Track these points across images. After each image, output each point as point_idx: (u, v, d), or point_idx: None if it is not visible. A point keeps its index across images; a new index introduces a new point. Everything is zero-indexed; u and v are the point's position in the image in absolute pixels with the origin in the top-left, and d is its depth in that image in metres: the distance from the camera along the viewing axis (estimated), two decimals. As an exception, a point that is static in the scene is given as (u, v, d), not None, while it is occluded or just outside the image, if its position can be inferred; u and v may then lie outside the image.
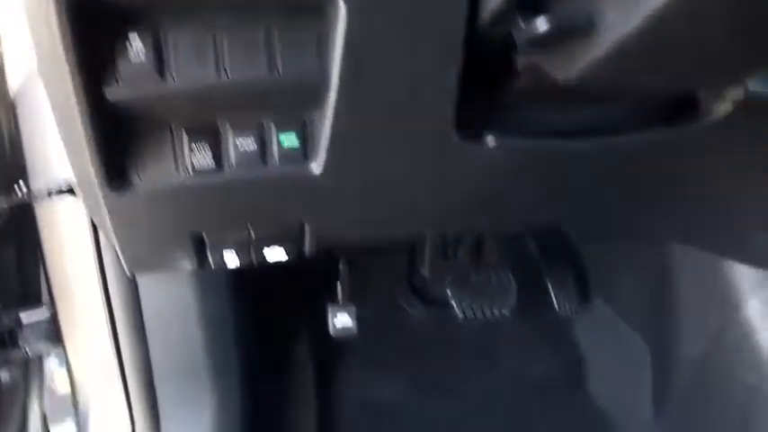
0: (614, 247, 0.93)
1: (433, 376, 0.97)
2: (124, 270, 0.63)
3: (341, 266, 0.86)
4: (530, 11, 0.36)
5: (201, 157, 0.46)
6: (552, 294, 0.96)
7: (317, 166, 0.46)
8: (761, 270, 0.67)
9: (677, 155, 0.54)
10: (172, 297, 0.66)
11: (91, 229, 0.62)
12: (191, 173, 0.46)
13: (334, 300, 0.84)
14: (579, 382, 0.97)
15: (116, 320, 0.65)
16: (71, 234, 0.65)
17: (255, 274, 0.85)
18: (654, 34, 0.33)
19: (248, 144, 0.46)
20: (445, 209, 0.56)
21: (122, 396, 0.69)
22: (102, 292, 0.65)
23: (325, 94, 0.42)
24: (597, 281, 1.00)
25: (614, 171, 0.55)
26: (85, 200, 0.50)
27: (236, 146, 0.45)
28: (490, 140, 0.46)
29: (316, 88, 0.42)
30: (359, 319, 0.94)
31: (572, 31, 0.36)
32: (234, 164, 0.46)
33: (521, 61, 0.42)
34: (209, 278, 0.68)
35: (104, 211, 0.49)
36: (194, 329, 0.68)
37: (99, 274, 0.64)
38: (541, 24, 0.35)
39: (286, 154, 0.46)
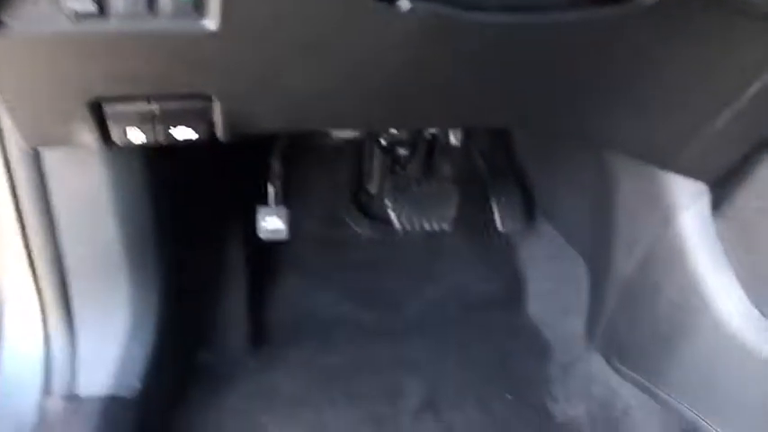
0: (558, 167, 0.91)
1: (372, 291, 0.96)
2: (28, 154, 0.60)
3: (273, 167, 0.83)
4: None
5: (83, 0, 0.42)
6: (496, 212, 0.94)
7: (211, 22, 0.43)
8: (694, 183, 0.66)
9: (603, 43, 0.51)
10: (83, 187, 0.63)
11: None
12: (72, 18, 0.42)
13: (265, 202, 0.82)
14: (518, 299, 0.97)
15: (22, 211, 0.62)
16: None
17: (185, 171, 0.83)
18: None
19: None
20: (357, 87, 0.53)
21: (33, 291, 0.66)
22: (6, 177, 0.62)
23: None
24: (541, 200, 0.98)
25: (539, 57, 0.52)
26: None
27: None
28: (403, 3, 0.43)
29: None
30: (299, 232, 0.93)
31: None
32: (120, 11, 0.42)
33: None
34: (124, 171, 0.65)
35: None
36: (109, 223, 0.65)
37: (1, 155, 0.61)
38: None
39: (176, 5, 0.43)
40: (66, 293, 0.67)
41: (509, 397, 0.82)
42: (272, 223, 0.80)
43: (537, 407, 0.80)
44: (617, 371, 0.78)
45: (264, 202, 0.83)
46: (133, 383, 0.69)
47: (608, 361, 0.80)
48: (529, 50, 0.52)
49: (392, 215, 0.88)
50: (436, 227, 0.89)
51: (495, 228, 0.95)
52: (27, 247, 0.64)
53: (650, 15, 0.46)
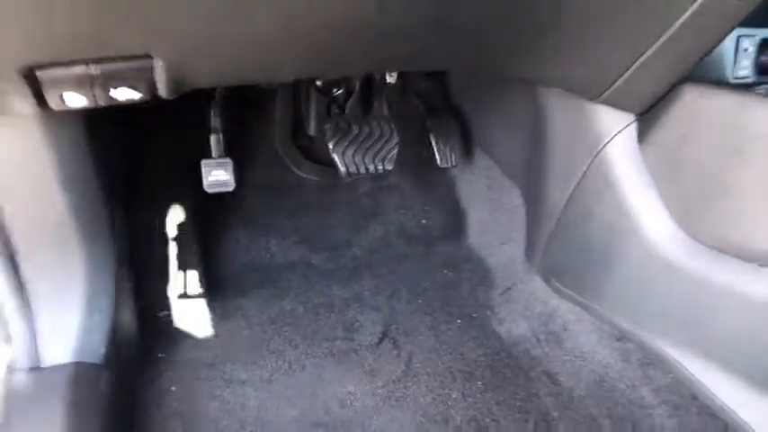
0: (493, 103, 0.94)
1: (319, 233, 0.98)
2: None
3: (213, 119, 0.82)
4: None
5: None
6: (435, 149, 0.96)
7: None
8: (622, 114, 0.70)
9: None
10: (24, 158, 0.60)
11: None
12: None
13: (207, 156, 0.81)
14: (459, 231, 1.01)
15: None
16: None
17: (125, 132, 0.80)
18: None
19: None
20: (291, 35, 0.52)
21: None
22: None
23: None
24: (477, 135, 1.02)
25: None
26: None
27: None
28: None
29: None
30: (242, 180, 0.92)
31: None
32: None
33: None
34: (65, 138, 0.62)
35: None
36: (55, 193, 0.63)
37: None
38: None
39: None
40: (18, 269, 0.65)
41: (458, 322, 0.87)
42: (217, 176, 0.80)
43: (484, 329, 0.86)
44: (556, 290, 0.85)
45: (207, 155, 0.81)
46: (98, 348, 0.69)
47: (547, 282, 0.87)
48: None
49: (336, 158, 0.88)
50: (380, 167, 0.90)
51: (434, 164, 0.98)
52: None
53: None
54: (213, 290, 0.87)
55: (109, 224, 0.71)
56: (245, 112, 1.00)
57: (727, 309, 0.63)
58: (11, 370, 0.66)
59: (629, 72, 0.65)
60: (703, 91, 0.63)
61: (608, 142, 0.73)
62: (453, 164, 0.97)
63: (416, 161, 1.01)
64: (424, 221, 1.02)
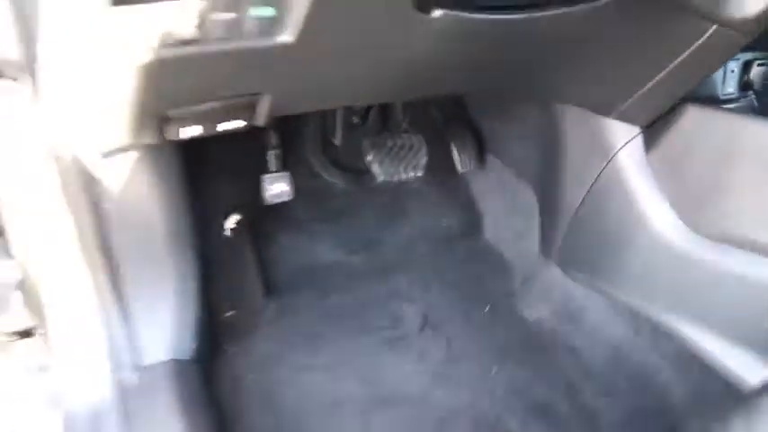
0: (508, 116, 1.07)
1: (355, 236, 1.08)
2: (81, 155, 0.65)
3: (272, 137, 0.91)
4: None
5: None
6: (455, 154, 1.08)
7: (290, 35, 0.51)
8: (630, 127, 0.83)
9: (574, 29, 0.65)
10: (133, 183, 0.69)
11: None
12: (176, 44, 0.49)
13: (265, 170, 0.90)
14: (479, 231, 1.14)
15: (76, 211, 0.66)
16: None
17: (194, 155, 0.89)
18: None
19: (226, 15, 0.49)
20: (397, 76, 0.64)
21: (91, 284, 0.72)
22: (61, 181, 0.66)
23: None
24: (493, 143, 1.14)
25: (533, 41, 0.65)
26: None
27: (214, 16, 0.48)
28: (436, 13, 0.54)
29: None
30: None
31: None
32: (216, 36, 0.49)
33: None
34: (164, 162, 0.71)
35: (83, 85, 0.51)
36: (154, 213, 0.72)
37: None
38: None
39: (261, 26, 0.50)
40: (118, 282, 0.74)
41: (487, 309, 1.00)
42: (278, 188, 0.89)
43: (511, 313, 0.99)
44: (573, 278, 0.98)
45: (263, 170, 0.91)
46: (189, 345, 0.78)
47: (565, 271, 1.00)
48: (523, 37, 0.65)
49: (374, 168, 0.99)
50: (412, 174, 1.01)
51: (451, 169, 1.10)
52: (81, 241, 0.69)
53: (608, 9, 0.61)
54: (270, 291, 0.96)
55: (191, 236, 0.81)
56: (274, 122, 1.09)
57: (724, 287, 0.77)
58: (117, 369, 0.75)
59: (638, 93, 0.78)
60: (702, 108, 0.77)
61: (618, 151, 0.86)
62: (471, 168, 1.09)
63: (436, 166, 1.13)
64: (444, 221, 1.14)
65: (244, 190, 0.93)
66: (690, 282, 0.81)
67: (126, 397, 0.72)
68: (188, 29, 0.48)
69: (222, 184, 0.94)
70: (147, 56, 0.48)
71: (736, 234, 0.75)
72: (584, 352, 0.91)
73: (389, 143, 1.02)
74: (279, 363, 0.87)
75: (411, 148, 1.04)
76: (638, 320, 0.90)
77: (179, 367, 0.76)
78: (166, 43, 0.48)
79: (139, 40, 0.48)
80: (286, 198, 0.91)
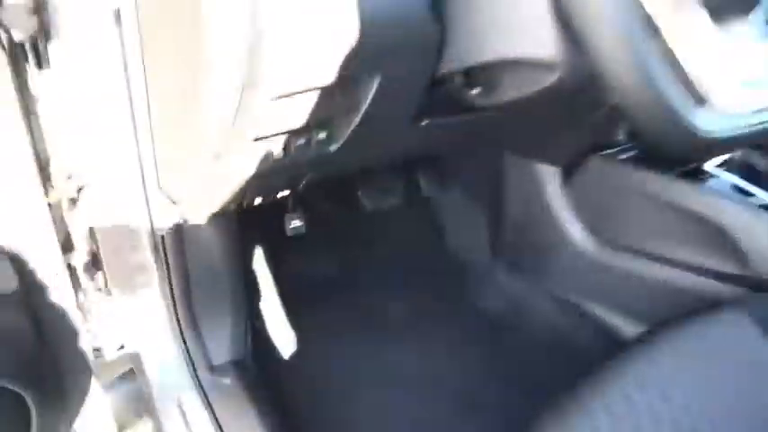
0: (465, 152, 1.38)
1: (345, 254, 1.37)
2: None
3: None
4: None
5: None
6: (422, 182, 1.38)
7: (335, 147, 0.79)
8: (554, 168, 1.15)
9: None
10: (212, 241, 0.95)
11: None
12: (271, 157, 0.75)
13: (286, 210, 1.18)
14: (441, 243, 1.45)
15: (169, 256, 0.92)
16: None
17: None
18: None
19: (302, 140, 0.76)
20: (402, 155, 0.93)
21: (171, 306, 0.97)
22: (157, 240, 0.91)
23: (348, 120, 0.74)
24: (454, 172, 1.44)
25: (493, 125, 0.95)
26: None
27: (295, 143, 0.75)
28: (425, 122, 0.83)
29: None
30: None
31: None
32: (293, 152, 0.76)
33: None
34: (226, 221, 0.98)
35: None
36: (216, 245, 0.98)
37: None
38: (476, 95, 0.72)
39: (320, 143, 0.78)
40: (192, 304, 0.99)
41: (457, 306, 1.31)
42: (296, 223, 1.16)
43: (474, 308, 1.31)
44: (518, 276, 1.30)
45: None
46: (244, 349, 1.05)
47: (510, 271, 1.32)
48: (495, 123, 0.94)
49: (364, 200, 1.28)
50: (391, 202, 1.31)
51: (421, 193, 1.40)
52: (168, 278, 0.95)
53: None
54: (287, 303, 1.24)
55: (242, 282, 1.07)
56: None
57: (626, 282, 1.11)
58: (194, 368, 1.00)
59: (561, 148, 1.10)
60: (600, 158, 1.09)
61: (546, 184, 1.18)
62: (436, 193, 1.40)
63: (408, 193, 1.43)
64: (413, 238, 1.45)
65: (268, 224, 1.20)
66: (603, 280, 1.14)
67: (202, 390, 0.98)
68: (280, 149, 0.75)
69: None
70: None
71: (632, 245, 1.09)
72: (537, 337, 1.24)
73: (375, 178, 1.31)
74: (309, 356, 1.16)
75: (387, 185, 1.33)
76: (576, 310, 1.23)
77: (241, 365, 1.03)
78: (269, 159, 0.75)
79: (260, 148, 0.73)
80: (301, 232, 1.17)
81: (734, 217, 0.95)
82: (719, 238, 0.96)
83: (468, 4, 0.65)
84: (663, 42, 0.52)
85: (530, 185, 1.20)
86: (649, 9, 0.52)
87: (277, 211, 1.18)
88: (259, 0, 0.56)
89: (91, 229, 0.91)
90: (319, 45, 0.61)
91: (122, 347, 1.01)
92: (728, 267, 0.97)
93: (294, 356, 1.17)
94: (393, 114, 0.77)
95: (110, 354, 1.01)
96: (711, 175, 1.06)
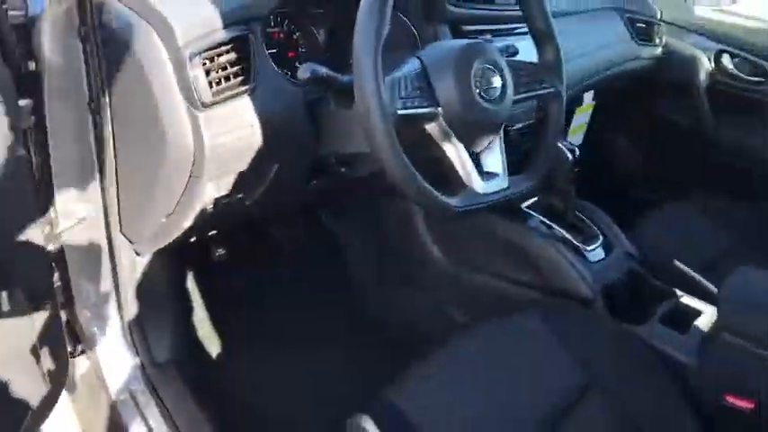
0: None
1: (275, 272, 1.72)
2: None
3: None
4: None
5: None
6: (322, 217, 1.75)
7: (249, 203, 1.13)
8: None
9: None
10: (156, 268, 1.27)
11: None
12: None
13: (213, 242, 1.50)
14: (338, 264, 1.81)
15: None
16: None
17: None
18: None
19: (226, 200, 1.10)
20: (303, 203, 1.29)
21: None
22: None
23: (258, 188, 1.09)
24: (347, 207, 1.81)
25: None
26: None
27: (221, 202, 1.10)
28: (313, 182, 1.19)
29: None
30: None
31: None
32: (220, 208, 1.10)
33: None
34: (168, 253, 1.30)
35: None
36: (160, 284, 1.30)
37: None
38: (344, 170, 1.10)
39: (239, 200, 1.12)
40: (140, 315, 1.30)
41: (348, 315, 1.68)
42: (220, 251, 1.49)
43: (363, 317, 1.68)
44: (397, 289, 1.68)
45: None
46: (183, 350, 1.37)
47: (391, 285, 1.70)
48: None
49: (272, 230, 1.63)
50: (297, 233, 1.66)
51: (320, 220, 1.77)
52: (121, 296, 1.25)
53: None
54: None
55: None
56: None
57: (468, 288, 1.51)
58: (141, 363, 1.30)
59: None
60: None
61: (413, 216, 1.56)
62: (331, 225, 1.76)
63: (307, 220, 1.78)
64: (315, 260, 1.81)
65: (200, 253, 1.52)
66: (453, 287, 1.54)
67: (149, 380, 1.28)
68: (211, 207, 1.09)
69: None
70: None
71: (472, 262, 1.49)
72: (404, 333, 1.62)
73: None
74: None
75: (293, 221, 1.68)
76: (433, 311, 1.62)
77: (180, 362, 1.34)
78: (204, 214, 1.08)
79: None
80: (224, 258, 1.50)
81: (534, 244, 1.37)
82: (526, 258, 1.38)
83: (329, 117, 1.03)
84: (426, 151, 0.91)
85: (402, 219, 1.59)
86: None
87: (206, 243, 1.51)
88: (200, 123, 0.91)
89: (62, 254, 1.20)
90: (239, 147, 0.97)
91: (83, 352, 1.31)
92: (530, 278, 1.38)
93: (220, 356, 1.50)
94: (290, 182, 1.13)
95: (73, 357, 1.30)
96: (528, 214, 1.48)
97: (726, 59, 1.87)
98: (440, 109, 0.88)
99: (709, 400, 1.14)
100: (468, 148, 0.93)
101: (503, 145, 0.98)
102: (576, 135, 1.69)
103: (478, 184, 0.92)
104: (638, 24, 1.87)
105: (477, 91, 0.90)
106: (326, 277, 1.76)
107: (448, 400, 0.99)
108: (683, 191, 1.84)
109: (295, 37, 1.14)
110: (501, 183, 0.96)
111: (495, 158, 0.97)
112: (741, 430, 1.10)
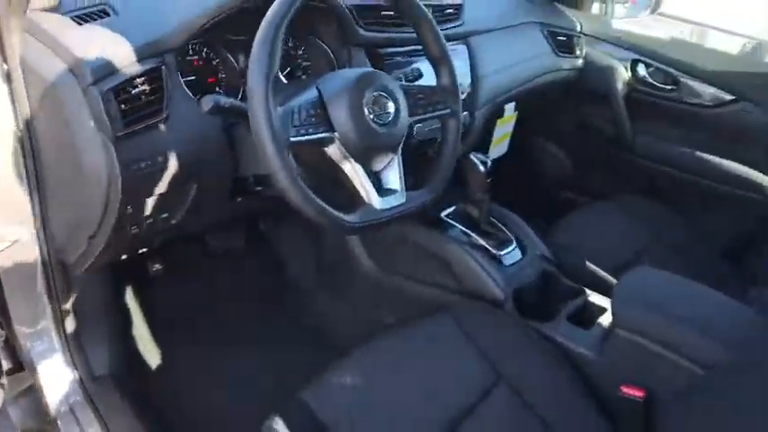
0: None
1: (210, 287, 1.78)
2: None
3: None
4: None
5: None
6: (261, 226, 1.82)
7: (174, 222, 1.20)
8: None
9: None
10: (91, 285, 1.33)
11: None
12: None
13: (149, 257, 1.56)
14: (278, 273, 1.88)
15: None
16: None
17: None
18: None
19: (150, 221, 1.17)
20: (231, 218, 1.36)
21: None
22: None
23: (181, 208, 1.17)
24: (286, 218, 1.88)
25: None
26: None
27: (145, 223, 1.16)
28: (238, 200, 1.27)
29: None
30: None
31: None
32: (144, 228, 1.17)
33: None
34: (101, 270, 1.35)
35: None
36: (95, 301, 1.36)
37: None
38: (261, 189, 1.18)
39: (164, 220, 1.19)
40: (77, 331, 1.35)
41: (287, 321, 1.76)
42: (156, 267, 1.55)
43: (300, 322, 1.76)
44: (333, 297, 1.76)
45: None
46: (121, 364, 1.42)
47: (328, 293, 1.78)
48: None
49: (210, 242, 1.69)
50: (237, 244, 1.73)
51: (263, 235, 1.84)
52: (59, 312, 1.30)
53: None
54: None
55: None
56: None
57: (396, 295, 1.59)
58: (80, 377, 1.35)
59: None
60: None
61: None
62: (271, 235, 1.84)
63: (251, 237, 1.85)
64: (256, 270, 1.88)
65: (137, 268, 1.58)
66: (382, 294, 1.63)
67: (87, 392, 1.33)
68: (134, 229, 1.16)
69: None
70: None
71: (399, 270, 1.58)
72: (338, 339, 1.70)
73: (220, 229, 1.72)
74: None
75: (232, 230, 1.75)
76: (364, 316, 1.70)
77: (118, 376, 1.40)
78: (127, 235, 1.15)
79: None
80: (161, 273, 1.56)
81: (452, 251, 1.46)
82: (444, 265, 1.47)
83: (244, 140, 1.10)
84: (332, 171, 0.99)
85: (337, 233, 1.67)
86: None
87: (142, 259, 1.57)
88: (113, 152, 0.97)
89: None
90: (154, 172, 1.03)
91: (22, 368, 1.36)
92: (449, 283, 1.47)
93: (160, 368, 1.56)
94: (211, 202, 1.20)
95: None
96: (449, 224, 1.57)
97: (641, 69, 1.99)
98: (336, 134, 0.96)
99: (608, 391, 1.24)
100: (367, 167, 1.02)
101: (401, 163, 1.06)
102: (500, 145, 1.79)
103: (377, 201, 1.00)
104: (559, 37, 1.97)
105: (371, 116, 0.98)
106: (265, 285, 1.83)
107: (360, 401, 1.07)
108: (608, 194, 1.96)
109: (215, 63, 1.21)
110: (399, 198, 1.04)
111: (394, 176, 1.06)
112: (636, 418, 1.19)
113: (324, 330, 1.73)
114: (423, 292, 1.53)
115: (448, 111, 1.13)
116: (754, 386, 0.90)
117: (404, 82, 1.17)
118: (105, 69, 0.95)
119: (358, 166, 0.99)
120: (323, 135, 0.95)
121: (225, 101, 0.94)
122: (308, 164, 1.05)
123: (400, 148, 1.06)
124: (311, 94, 0.97)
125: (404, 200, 1.05)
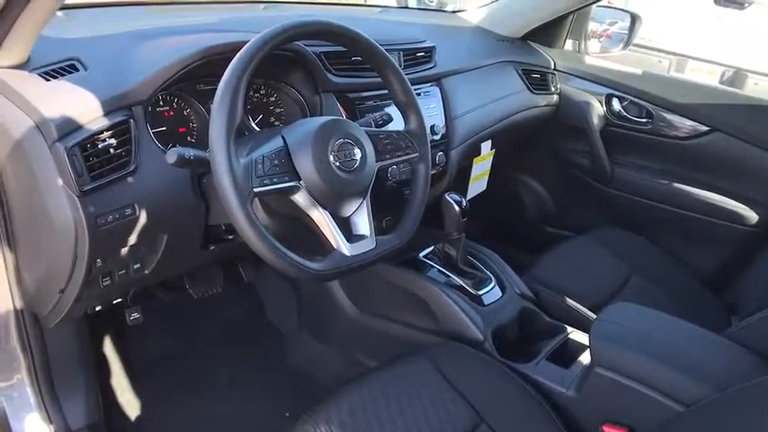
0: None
1: (188, 329, 1.76)
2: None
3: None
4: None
5: None
6: (242, 271, 1.81)
7: (147, 271, 1.20)
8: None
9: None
10: (65, 336, 1.31)
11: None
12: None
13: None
14: (260, 317, 1.87)
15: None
16: None
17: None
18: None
19: (122, 272, 1.17)
20: (205, 264, 1.35)
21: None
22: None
23: (153, 258, 1.17)
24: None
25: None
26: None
27: (117, 273, 1.16)
28: (211, 248, 1.26)
29: None
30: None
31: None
32: (116, 279, 1.16)
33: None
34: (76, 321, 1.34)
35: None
36: (70, 351, 1.35)
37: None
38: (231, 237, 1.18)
39: (137, 270, 1.19)
40: (52, 382, 1.33)
41: (269, 364, 1.74)
42: (135, 315, 1.54)
43: (283, 364, 1.74)
44: (315, 339, 1.75)
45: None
46: (97, 415, 1.40)
47: (310, 335, 1.77)
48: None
49: (191, 289, 1.69)
50: (215, 290, 1.72)
51: (243, 279, 1.83)
52: (32, 364, 1.29)
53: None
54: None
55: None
56: None
57: (375, 335, 1.58)
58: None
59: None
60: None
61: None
62: (253, 278, 1.83)
63: (231, 281, 1.85)
64: (238, 315, 1.86)
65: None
66: (362, 335, 1.62)
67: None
68: (105, 281, 1.15)
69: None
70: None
71: (378, 311, 1.57)
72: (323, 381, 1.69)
73: (199, 272, 1.71)
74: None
75: (211, 276, 1.74)
76: (346, 358, 1.69)
77: (95, 428, 1.37)
78: (98, 287, 1.14)
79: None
80: (140, 321, 1.55)
81: (430, 292, 1.46)
82: (423, 305, 1.47)
83: (214, 190, 1.10)
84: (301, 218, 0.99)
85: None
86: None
87: (118, 308, 1.56)
88: (79, 207, 0.97)
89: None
90: (122, 225, 1.03)
91: (-5, 421, 1.34)
92: (429, 324, 1.47)
93: (138, 418, 1.53)
94: (184, 251, 1.20)
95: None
96: (428, 265, 1.57)
97: (616, 103, 2.02)
98: (302, 182, 0.97)
99: (590, 430, 1.23)
100: (335, 214, 1.02)
101: (369, 208, 1.07)
102: (478, 182, 1.80)
103: (346, 248, 1.00)
104: (533, 75, 2.00)
105: (337, 163, 0.99)
106: (246, 329, 1.82)
107: (340, 445, 1.06)
108: (588, 227, 1.97)
109: (186, 113, 1.22)
110: (368, 244, 1.04)
111: (363, 221, 1.06)
112: (619, 458, 1.18)
113: (304, 373, 1.71)
114: (402, 332, 1.53)
115: (416, 155, 1.15)
116: (736, 423, 0.90)
117: (373, 127, 1.18)
118: (71, 125, 0.96)
119: (326, 213, 1.00)
120: (288, 184, 0.96)
121: (189, 153, 0.94)
122: (278, 212, 1.06)
123: (368, 193, 1.07)
124: (276, 143, 0.98)
125: (373, 245, 1.05)
